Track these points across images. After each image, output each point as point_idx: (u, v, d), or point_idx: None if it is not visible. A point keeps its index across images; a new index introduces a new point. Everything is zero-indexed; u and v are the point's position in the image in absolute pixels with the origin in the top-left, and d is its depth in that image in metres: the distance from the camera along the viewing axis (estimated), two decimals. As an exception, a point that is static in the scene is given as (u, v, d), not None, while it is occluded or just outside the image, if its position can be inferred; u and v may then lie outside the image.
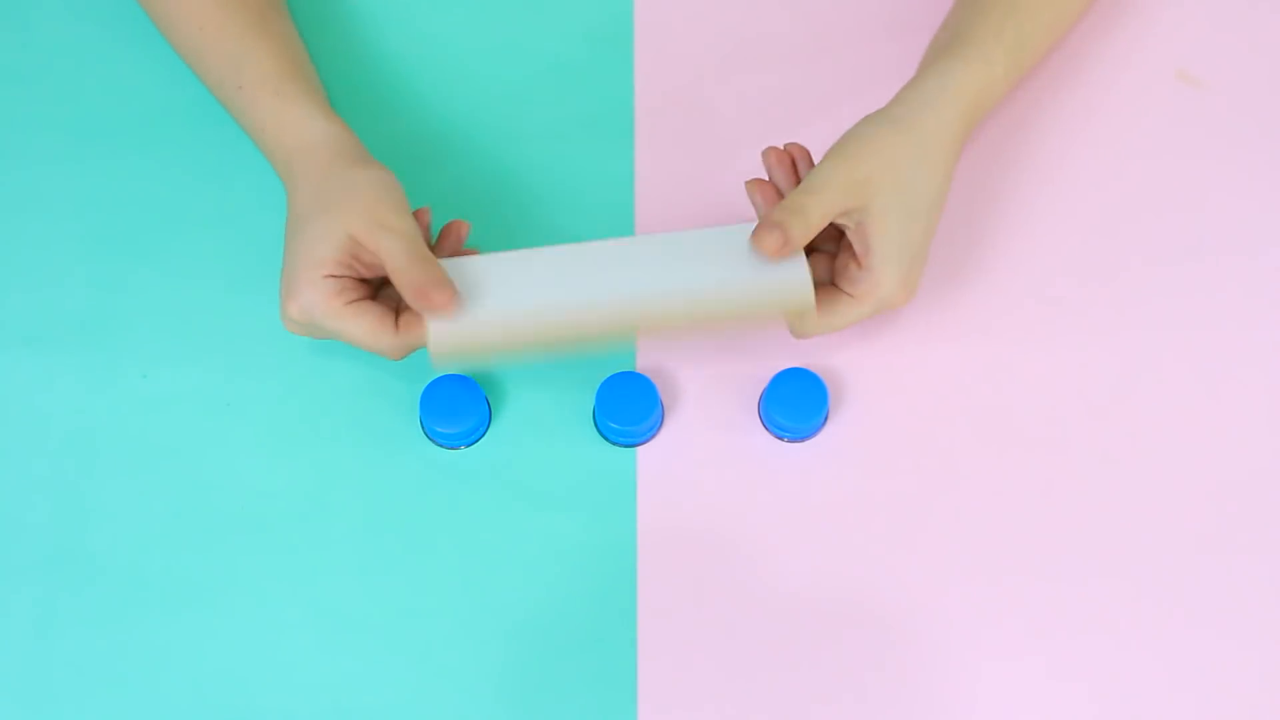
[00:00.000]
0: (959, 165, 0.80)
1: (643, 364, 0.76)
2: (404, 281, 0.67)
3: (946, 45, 0.76)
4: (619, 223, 0.79)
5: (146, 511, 0.73)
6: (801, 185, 0.70)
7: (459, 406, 0.73)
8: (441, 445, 0.74)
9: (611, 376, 0.73)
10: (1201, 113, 0.82)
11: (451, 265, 0.69)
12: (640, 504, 0.73)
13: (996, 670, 0.70)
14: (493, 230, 0.79)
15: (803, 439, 0.74)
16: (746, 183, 0.73)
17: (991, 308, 0.77)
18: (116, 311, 0.77)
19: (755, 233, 0.68)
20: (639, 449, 0.75)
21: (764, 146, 0.74)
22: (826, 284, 0.71)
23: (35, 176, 0.81)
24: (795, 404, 0.73)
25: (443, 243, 0.72)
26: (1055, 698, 0.70)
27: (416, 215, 0.72)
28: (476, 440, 0.75)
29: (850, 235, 0.70)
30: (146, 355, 0.77)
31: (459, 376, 0.73)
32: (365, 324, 0.68)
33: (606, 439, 0.74)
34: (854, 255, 0.70)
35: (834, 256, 0.72)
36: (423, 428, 0.74)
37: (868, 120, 0.72)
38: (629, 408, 0.72)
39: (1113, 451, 0.75)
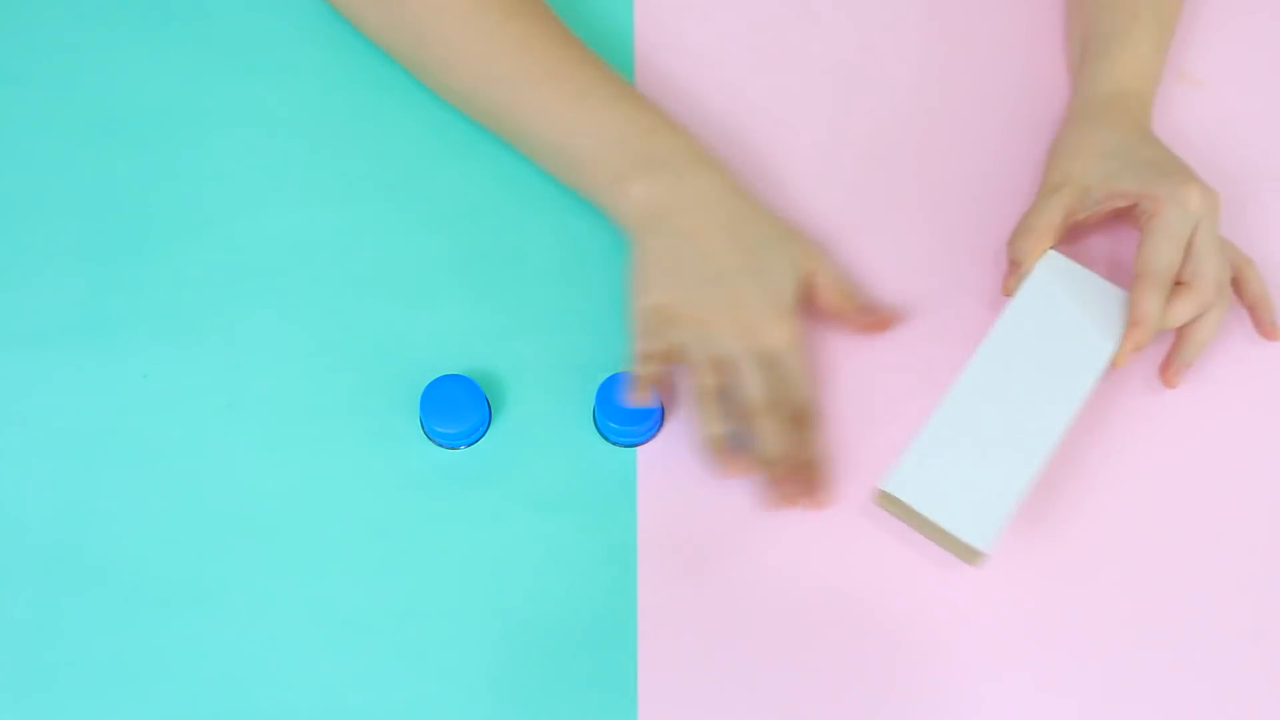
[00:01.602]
0: (960, 166, 0.80)
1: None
2: (851, 307, 0.75)
3: (1091, 46, 0.79)
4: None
5: (146, 511, 0.73)
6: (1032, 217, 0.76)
7: (459, 406, 0.73)
8: (441, 445, 0.74)
9: (611, 377, 0.73)
10: (1201, 113, 0.83)
11: (909, 466, 0.71)
12: (640, 504, 0.73)
13: (997, 671, 0.70)
14: (493, 230, 0.79)
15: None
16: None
17: (990, 307, 0.77)
18: (116, 311, 0.77)
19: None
20: (639, 449, 0.75)
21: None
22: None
23: (35, 176, 0.81)
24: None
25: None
26: (1056, 698, 0.70)
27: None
28: (477, 440, 0.75)
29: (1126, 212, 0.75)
30: (146, 355, 0.77)
31: (459, 376, 0.73)
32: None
33: (606, 439, 0.74)
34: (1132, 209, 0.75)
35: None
36: (423, 427, 0.74)
37: (1063, 140, 0.78)
38: (629, 408, 0.72)
39: (1113, 451, 0.75)
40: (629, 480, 0.74)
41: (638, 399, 0.71)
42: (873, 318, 0.76)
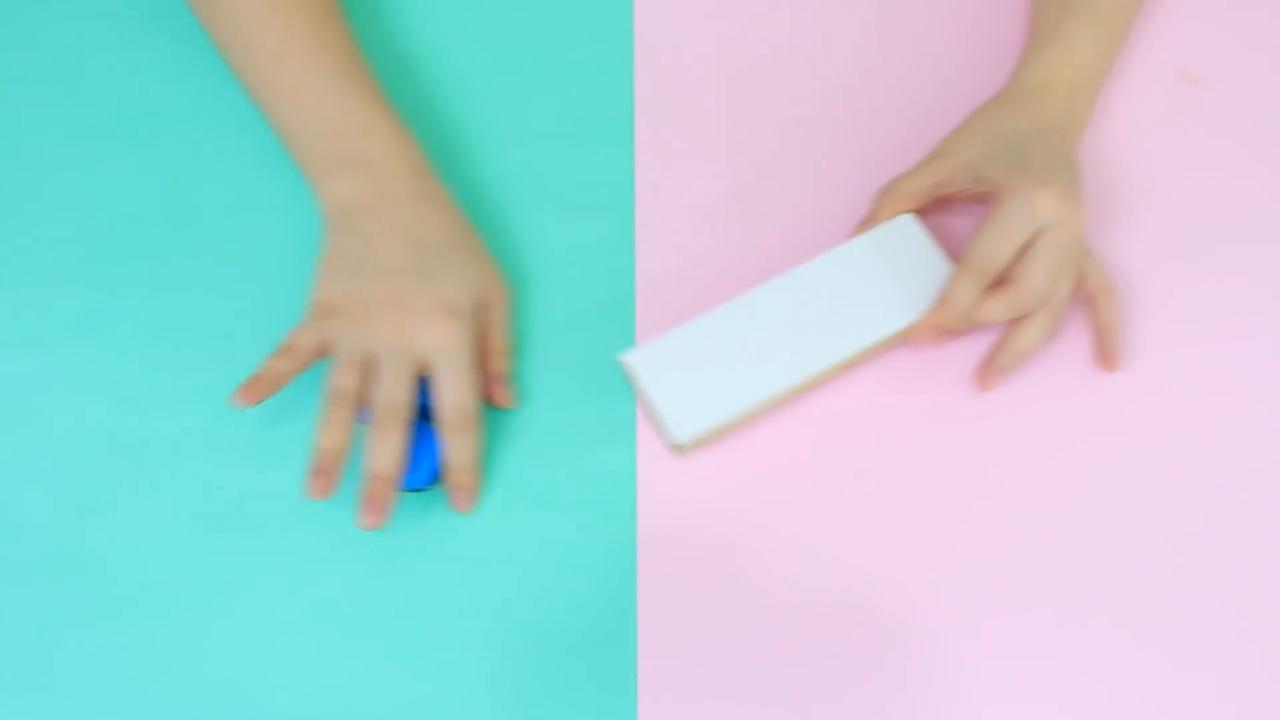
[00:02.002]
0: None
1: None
2: (497, 349, 0.74)
3: (1029, 36, 0.79)
4: (619, 222, 0.79)
5: (146, 511, 0.73)
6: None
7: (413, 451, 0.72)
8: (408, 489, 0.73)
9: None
10: (1201, 113, 0.83)
11: (657, 345, 0.73)
12: (640, 504, 0.73)
13: (997, 670, 0.70)
14: (493, 231, 0.79)
15: None
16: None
17: (991, 308, 0.77)
18: (116, 311, 0.77)
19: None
20: (639, 449, 0.75)
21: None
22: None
23: (35, 176, 0.81)
24: None
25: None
26: (1056, 698, 0.70)
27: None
28: (431, 483, 0.73)
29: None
30: (146, 355, 0.77)
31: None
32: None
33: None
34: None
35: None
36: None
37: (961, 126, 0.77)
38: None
39: (1113, 452, 0.75)
40: (629, 480, 0.74)
41: (242, 396, 0.70)
42: (502, 387, 0.74)
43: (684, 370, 0.72)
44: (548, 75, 0.83)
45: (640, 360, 0.73)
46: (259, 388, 0.70)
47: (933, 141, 0.82)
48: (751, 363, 0.72)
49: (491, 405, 0.75)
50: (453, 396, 0.71)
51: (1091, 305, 0.75)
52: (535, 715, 0.70)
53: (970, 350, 0.76)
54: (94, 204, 0.80)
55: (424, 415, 0.73)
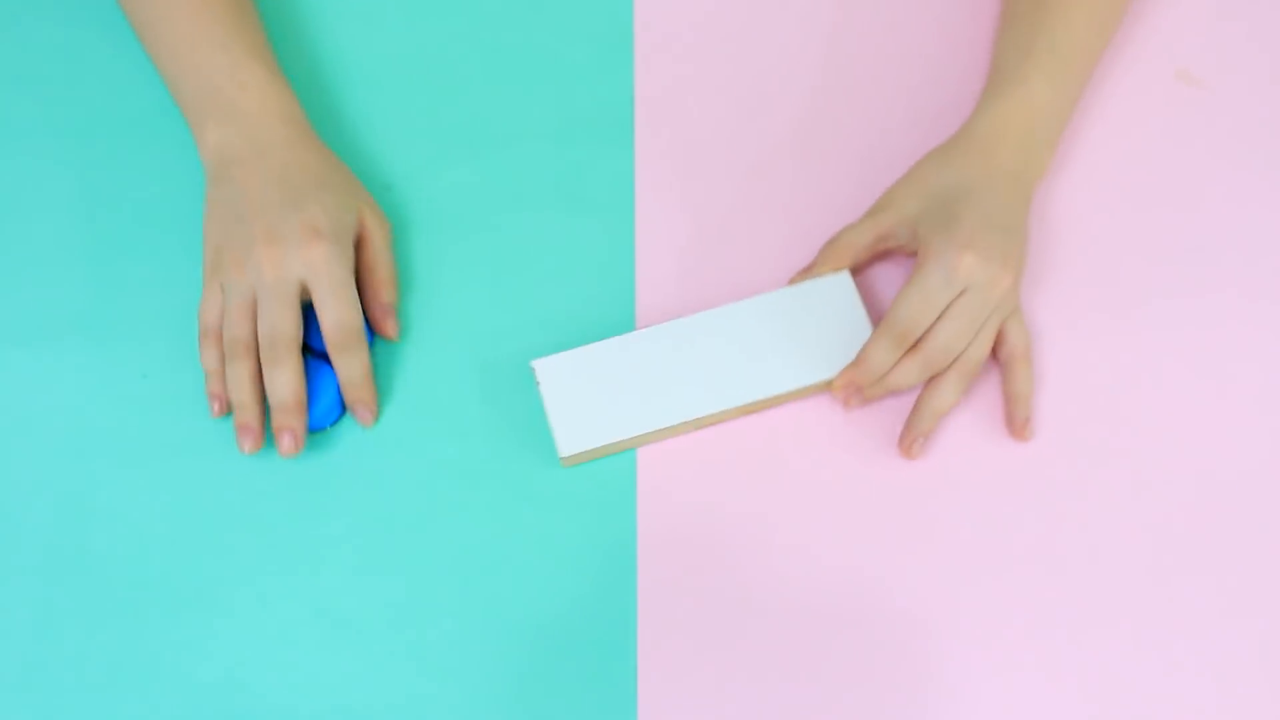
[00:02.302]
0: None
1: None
2: (382, 279, 0.75)
3: (988, 78, 0.78)
4: (619, 222, 0.79)
5: (146, 511, 0.73)
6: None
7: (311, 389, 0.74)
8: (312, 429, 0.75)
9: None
10: (1201, 113, 0.83)
11: (567, 358, 0.74)
12: (640, 504, 0.73)
13: (997, 671, 0.70)
14: (493, 231, 0.79)
15: None
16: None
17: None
18: (116, 311, 0.77)
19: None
20: (639, 449, 0.75)
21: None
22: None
23: (35, 176, 0.81)
24: None
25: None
26: (1056, 698, 0.70)
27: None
28: (336, 419, 0.75)
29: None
30: (146, 355, 0.77)
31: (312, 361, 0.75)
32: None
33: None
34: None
35: None
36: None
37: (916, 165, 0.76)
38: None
39: (1114, 452, 0.75)
40: (629, 480, 0.74)
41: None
42: (391, 319, 0.76)
43: (584, 387, 0.73)
44: (548, 75, 0.83)
45: (546, 370, 0.74)
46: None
47: (935, 141, 0.82)
48: (650, 393, 0.73)
49: (382, 337, 0.76)
50: (333, 314, 0.73)
51: (1004, 370, 0.74)
52: (535, 715, 0.70)
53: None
54: (93, 204, 0.80)
55: (317, 355, 0.75)
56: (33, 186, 0.81)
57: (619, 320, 0.77)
